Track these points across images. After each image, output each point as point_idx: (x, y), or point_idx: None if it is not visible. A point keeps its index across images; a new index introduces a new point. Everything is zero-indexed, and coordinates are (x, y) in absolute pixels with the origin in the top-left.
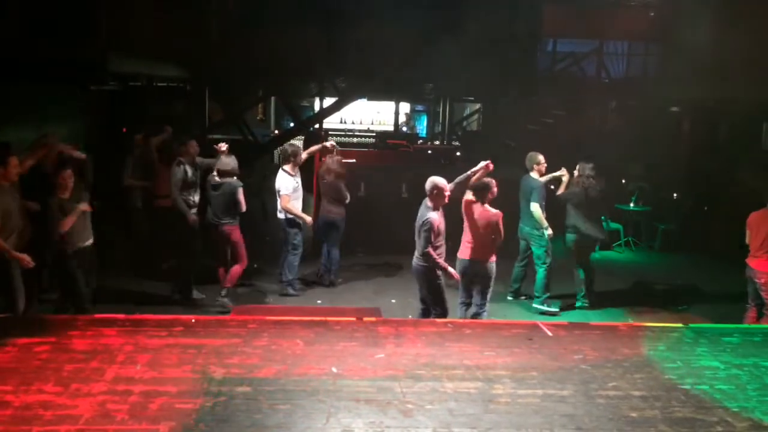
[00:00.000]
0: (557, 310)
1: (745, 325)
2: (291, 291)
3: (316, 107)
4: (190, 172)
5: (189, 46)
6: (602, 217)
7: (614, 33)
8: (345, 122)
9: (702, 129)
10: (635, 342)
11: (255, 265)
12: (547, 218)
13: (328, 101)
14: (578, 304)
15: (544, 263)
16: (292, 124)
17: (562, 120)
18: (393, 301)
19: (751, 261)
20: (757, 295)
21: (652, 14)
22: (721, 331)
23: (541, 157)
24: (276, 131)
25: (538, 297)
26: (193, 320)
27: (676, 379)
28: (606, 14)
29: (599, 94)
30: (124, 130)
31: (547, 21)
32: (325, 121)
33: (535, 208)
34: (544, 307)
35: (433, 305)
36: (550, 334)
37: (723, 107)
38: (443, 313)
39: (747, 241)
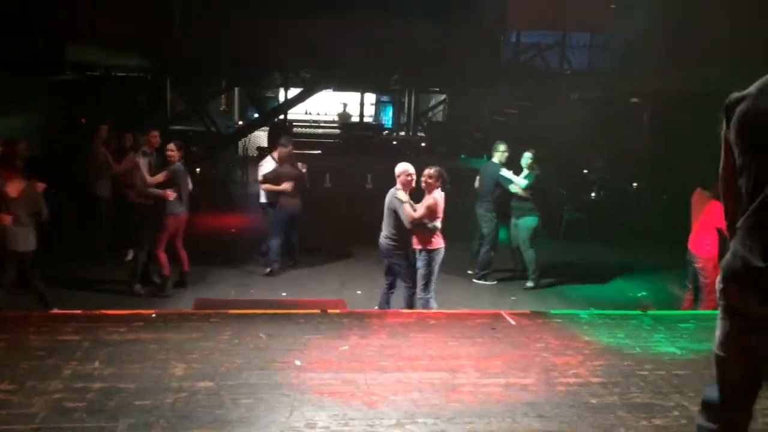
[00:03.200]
0: (494, 283)
1: (701, 312)
2: (276, 266)
3: (281, 98)
4: (153, 163)
5: (150, 35)
6: (566, 207)
7: (576, 24)
8: (310, 113)
9: (662, 119)
10: (595, 329)
11: (219, 258)
12: (501, 204)
13: (294, 92)
14: (530, 284)
15: (489, 243)
16: (256, 115)
17: (527, 111)
18: (359, 292)
19: (690, 244)
20: (695, 278)
21: (613, 6)
22: (678, 318)
23: (503, 146)
24: (240, 122)
25: (477, 272)
26: (153, 315)
27: (634, 365)
28: (569, 6)
29: (562, 85)
30: (84, 120)
31: (511, 13)
32: (290, 112)
33: (516, 188)
34: (482, 282)
35: (403, 280)
36: (513, 323)
37: (682, 98)
38: (413, 287)
39: None
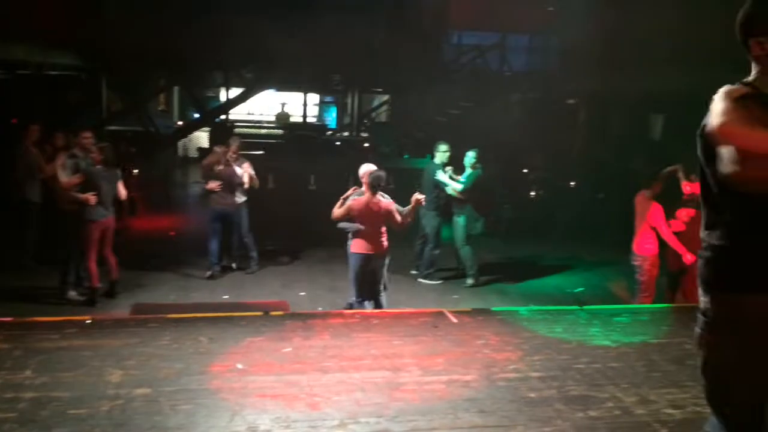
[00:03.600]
0: (439, 282)
1: (634, 306)
2: (216, 269)
3: (223, 98)
4: (83, 165)
5: (84, 32)
6: (506, 206)
7: (516, 26)
8: (252, 113)
9: (597, 120)
10: (534, 325)
11: (158, 261)
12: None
13: (235, 92)
14: (470, 281)
15: (433, 242)
16: (197, 115)
17: (468, 111)
18: (302, 293)
19: (633, 243)
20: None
21: (551, 9)
22: (612, 312)
23: (444, 146)
24: (180, 122)
25: (422, 271)
26: (87, 321)
27: (571, 359)
28: (508, 8)
29: (503, 86)
30: (14, 121)
31: (452, 14)
32: (231, 112)
33: (451, 190)
34: (427, 281)
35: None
36: (455, 321)
37: (615, 99)
38: (353, 303)
39: None
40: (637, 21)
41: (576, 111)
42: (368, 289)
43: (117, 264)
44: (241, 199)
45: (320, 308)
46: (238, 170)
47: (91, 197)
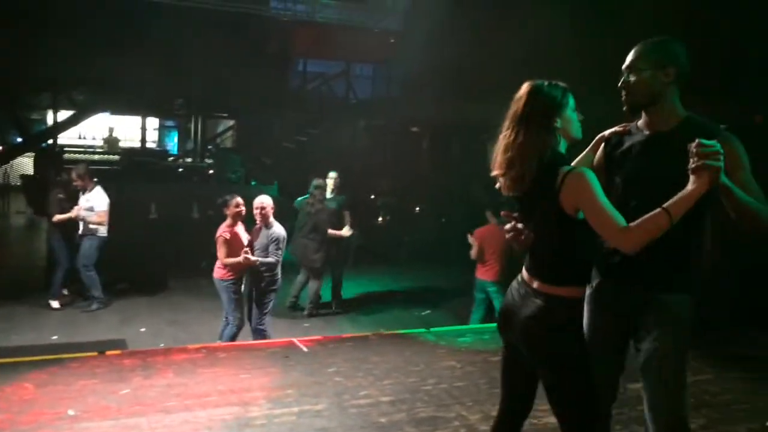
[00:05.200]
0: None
1: (477, 326)
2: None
3: (50, 121)
4: None
5: None
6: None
7: (359, 56)
8: (84, 138)
9: (439, 146)
10: (384, 349)
11: None
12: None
13: (65, 114)
14: (305, 312)
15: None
16: (19, 139)
17: (315, 138)
18: (142, 329)
19: (482, 273)
20: (482, 303)
21: (393, 40)
22: (457, 333)
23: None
24: None
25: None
26: None
27: (419, 381)
28: (352, 38)
29: (348, 113)
30: None
31: (297, 41)
32: (60, 136)
33: None
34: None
35: (229, 313)
36: (305, 350)
37: (454, 127)
38: (240, 323)
39: (473, 254)
40: (470, 53)
41: (420, 138)
42: None
43: None
44: (86, 229)
45: (162, 344)
46: (86, 201)
47: None
